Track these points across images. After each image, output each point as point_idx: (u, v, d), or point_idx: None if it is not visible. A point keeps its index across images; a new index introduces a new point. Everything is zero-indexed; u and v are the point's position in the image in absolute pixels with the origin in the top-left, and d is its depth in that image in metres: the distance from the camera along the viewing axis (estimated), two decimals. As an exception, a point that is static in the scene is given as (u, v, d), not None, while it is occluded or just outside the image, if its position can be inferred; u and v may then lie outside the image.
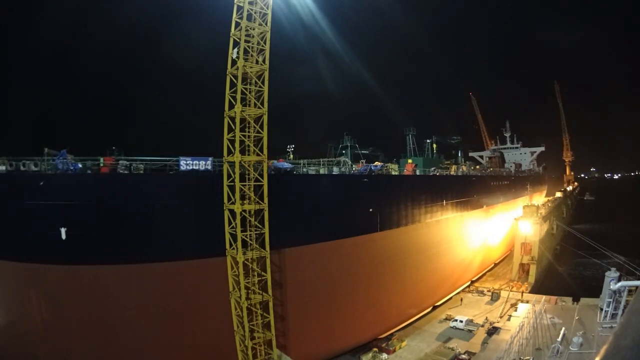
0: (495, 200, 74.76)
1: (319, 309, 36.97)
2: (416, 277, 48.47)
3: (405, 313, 47.46)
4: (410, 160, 58.56)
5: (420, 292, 49.56)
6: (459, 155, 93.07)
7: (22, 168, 27.63)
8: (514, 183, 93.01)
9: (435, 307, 52.39)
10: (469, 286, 61.42)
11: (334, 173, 42.09)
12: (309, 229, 36.10)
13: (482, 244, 67.88)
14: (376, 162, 50.64)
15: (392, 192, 45.87)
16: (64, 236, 26.68)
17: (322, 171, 41.71)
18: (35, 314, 28.48)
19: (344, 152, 61.37)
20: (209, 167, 31.35)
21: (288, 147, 51.83)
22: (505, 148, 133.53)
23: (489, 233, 70.51)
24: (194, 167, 30.92)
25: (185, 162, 30.64)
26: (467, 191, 62.58)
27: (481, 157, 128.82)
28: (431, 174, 58.65)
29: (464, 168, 77.88)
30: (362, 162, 48.37)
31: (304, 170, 40.44)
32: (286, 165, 38.74)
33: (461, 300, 54.09)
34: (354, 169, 45.23)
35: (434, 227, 51.38)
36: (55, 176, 27.44)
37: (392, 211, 44.12)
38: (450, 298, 55.98)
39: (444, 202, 53.71)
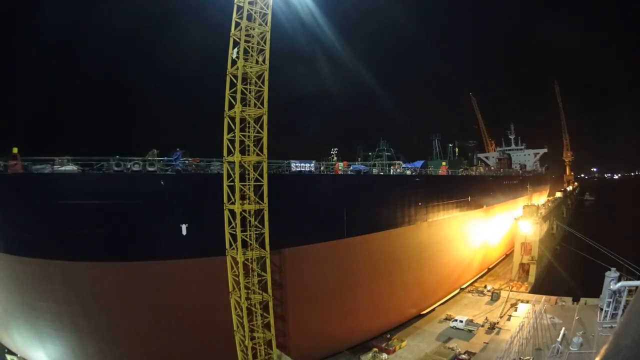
0: (506, 197, 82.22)
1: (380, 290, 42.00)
2: (453, 261, 56.87)
3: (446, 288, 54.94)
4: (444, 163, 67.68)
5: (451, 274, 56.94)
6: (475, 157, 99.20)
7: (131, 168, 28.64)
8: (521, 182, 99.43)
9: (462, 289, 59.22)
10: (486, 273, 68.66)
11: (391, 174, 49.82)
12: (372, 221, 41.28)
13: (499, 237, 74.66)
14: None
15: (437, 189, 53.36)
16: (184, 232, 28.93)
17: (375, 172, 47.92)
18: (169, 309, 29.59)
19: (369, 153, 67.74)
20: (313, 169, 38.05)
21: (332, 149, 57.61)
22: (510, 149, 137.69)
23: (501, 227, 76.77)
24: (302, 169, 37.33)
25: (295, 165, 37.00)
26: (485, 189, 70.44)
27: (487, 157, 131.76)
28: (459, 174, 67.64)
29: (482, 169, 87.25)
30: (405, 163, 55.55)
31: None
32: (363, 167, 45.19)
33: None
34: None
35: (461, 220, 58.94)
36: (173, 176, 29.76)
37: (435, 205, 50.92)
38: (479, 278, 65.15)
39: (469, 199, 61.03)
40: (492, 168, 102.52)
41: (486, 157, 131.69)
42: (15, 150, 28.40)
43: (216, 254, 29.44)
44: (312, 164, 38.12)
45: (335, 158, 54.34)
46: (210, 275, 29.84)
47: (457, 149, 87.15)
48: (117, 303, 29.17)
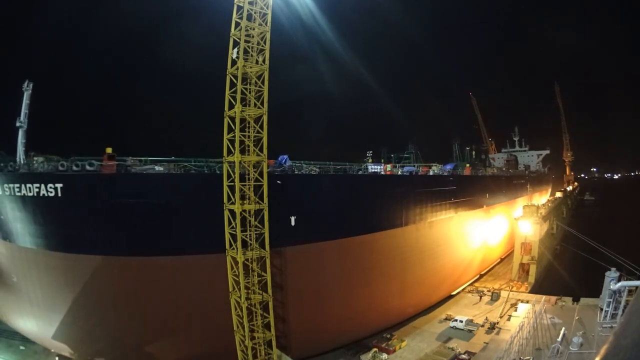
0: (514, 195, 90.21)
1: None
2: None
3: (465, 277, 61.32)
4: (467, 165, 77.60)
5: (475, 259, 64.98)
6: (487, 159, 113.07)
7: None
8: (527, 182, 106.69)
9: (481, 275, 67.13)
10: (496, 266, 73.83)
11: (430, 173, 57.56)
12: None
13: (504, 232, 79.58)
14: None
15: (464, 187, 60.87)
16: (293, 223, 33.66)
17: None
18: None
19: (391, 155, 74.42)
20: (381, 171, 46.79)
21: (368, 152, 63.43)
22: (515, 151, 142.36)
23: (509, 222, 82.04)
24: (375, 170, 45.97)
25: (371, 167, 46.45)
26: (498, 188, 78.50)
27: (493, 159, 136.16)
28: (480, 174, 78.01)
29: (495, 170, 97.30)
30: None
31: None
32: (413, 168, 54.75)
33: None
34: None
35: (481, 214, 66.95)
36: (287, 176, 35.06)
37: (462, 201, 57.96)
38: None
39: (487, 195, 69.47)
40: (504, 169, 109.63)
41: (492, 159, 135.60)
42: (109, 150, 29.69)
43: (318, 240, 36.01)
44: (381, 167, 47.95)
45: (370, 160, 59.67)
46: (319, 258, 36.36)
47: (474, 152, 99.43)
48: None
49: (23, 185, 30.58)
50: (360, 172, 45.27)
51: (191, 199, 31.03)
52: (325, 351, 39.29)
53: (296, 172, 37.26)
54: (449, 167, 64.06)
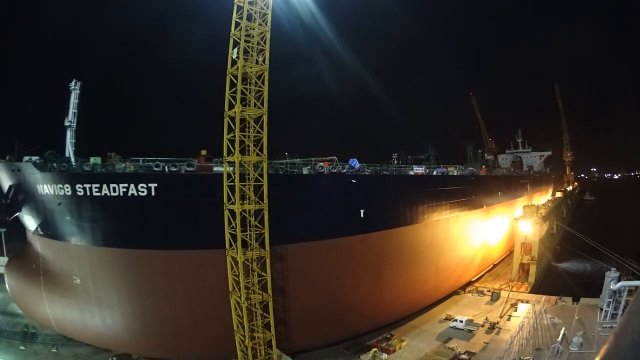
0: (518, 194, 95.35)
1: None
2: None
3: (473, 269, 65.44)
4: (484, 166, 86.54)
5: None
6: (496, 160, 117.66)
7: (324, 170, 38.51)
8: (532, 181, 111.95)
9: (494, 265, 73.23)
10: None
11: (455, 174, 63.71)
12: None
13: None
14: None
15: (481, 185, 67.95)
16: (362, 215, 38.18)
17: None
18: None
19: (408, 157, 77.82)
20: (423, 171, 54.40)
21: (393, 154, 66.64)
22: (518, 152, 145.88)
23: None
24: (417, 172, 53.49)
25: (415, 168, 54.69)
26: (507, 186, 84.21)
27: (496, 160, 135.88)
28: (492, 174, 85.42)
29: (504, 171, 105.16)
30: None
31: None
32: (442, 170, 60.88)
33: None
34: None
35: (495, 210, 73.41)
36: (358, 176, 40.47)
37: (480, 197, 64.70)
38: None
39: (499, 193, 75.63)
40: (511, 170, 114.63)
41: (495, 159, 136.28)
42: (204, 152, 31.70)
43: (378, 229, 40.56)
44: (422, 168, 55.73)
45: (396, 162, 63.53)
46: (376, 245, 40.87)
47: (485, 154, 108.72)
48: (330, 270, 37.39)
49: (105, 186, 30.38)
50: (405, 173, 52.97)
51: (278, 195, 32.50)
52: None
53: (363, 173, 42.40)
54: (471, 168, 73.53)
